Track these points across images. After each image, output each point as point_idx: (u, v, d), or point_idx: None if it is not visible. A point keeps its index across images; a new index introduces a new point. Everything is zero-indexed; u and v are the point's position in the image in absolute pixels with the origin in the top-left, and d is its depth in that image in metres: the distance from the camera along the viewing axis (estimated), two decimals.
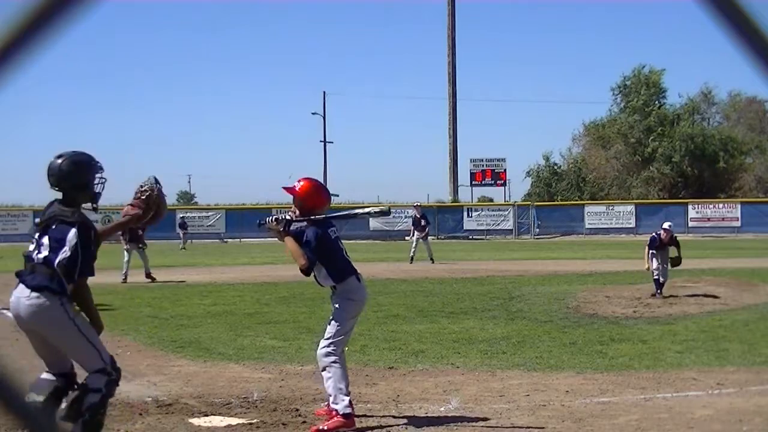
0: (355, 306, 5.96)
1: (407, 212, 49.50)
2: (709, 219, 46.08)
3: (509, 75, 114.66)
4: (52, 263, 4.57)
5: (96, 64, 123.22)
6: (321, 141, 65.09)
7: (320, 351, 5.75)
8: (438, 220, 48.09)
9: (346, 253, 6.06)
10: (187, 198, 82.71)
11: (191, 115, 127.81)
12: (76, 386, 4.72)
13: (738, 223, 46.59)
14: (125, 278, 17.93)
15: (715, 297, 13.42)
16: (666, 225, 14.18)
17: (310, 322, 11.28)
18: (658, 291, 13.58)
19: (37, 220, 4.88)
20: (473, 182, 55.53)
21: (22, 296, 4.58)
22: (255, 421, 5.86)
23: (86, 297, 4.79)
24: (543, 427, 5.61)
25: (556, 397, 6.53)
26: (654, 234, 13.98)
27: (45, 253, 4.61)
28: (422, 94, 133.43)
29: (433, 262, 23.73)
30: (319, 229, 5.86)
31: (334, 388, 5.58)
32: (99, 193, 4.91)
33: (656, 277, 13.60)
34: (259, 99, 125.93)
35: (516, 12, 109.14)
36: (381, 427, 5.69)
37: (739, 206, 47.69)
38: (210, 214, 51.78)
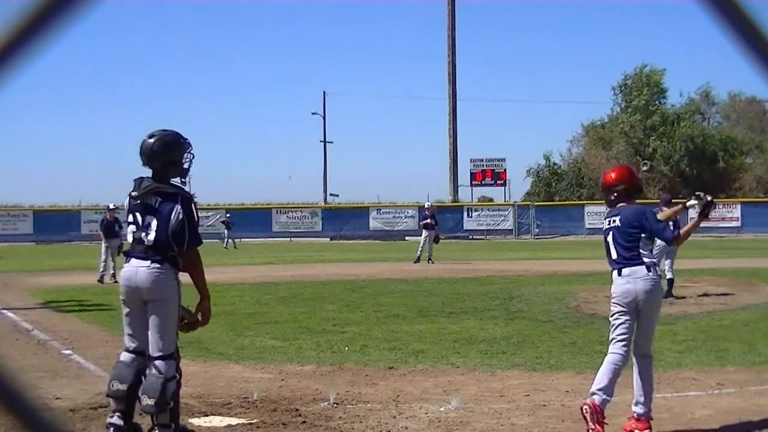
0: (614, 304, 5.61)
1: (407, 212, 49.57)
2: (709, 219, 46.01)
3: (510, 75, 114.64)
4: (165, 240, 4.94)
5: (95, 64, 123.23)
6: (321, 141, 65.12)
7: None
8: (438, 220, 48.05)
9: (613, 242, 5.74)
10: None
11: (191, 115, 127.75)
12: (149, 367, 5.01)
13: (738, 223, 46.59)
14: (102, 278, 17.42)
15: (716, 296, 13.43)
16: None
17: (310, 322, 11.29)
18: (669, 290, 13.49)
19: (134, 193, 5.05)
20: (473, 182, 55.55)
21: (141, 266, 4.94)
22: (255, 421, 5.86)
23: (197, 266, 5.15)
24: (543, 427, 5.61)
25: (556, 397, 6.53)
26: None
27: (153, 232, 4.95)
28: (422, 94, 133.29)
29: (431, 262, 23.73)
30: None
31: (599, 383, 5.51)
32: (187, 169, 5.26)
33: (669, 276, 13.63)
34: (259, 99, 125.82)
35: (516, 12, 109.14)
36: (381, 427, 5.69)
37: (739, 206, 47.68)
38: (210, 214, 51.72)
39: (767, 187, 59.22)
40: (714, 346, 8.89)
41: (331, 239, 47.44)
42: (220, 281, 18.35)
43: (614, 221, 5.75)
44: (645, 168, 6.86)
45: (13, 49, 0.82)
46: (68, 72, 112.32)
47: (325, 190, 62.90)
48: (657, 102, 60.98)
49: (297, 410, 6.13)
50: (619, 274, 5.59)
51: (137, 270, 4.95)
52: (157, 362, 4.96)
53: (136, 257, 4.99)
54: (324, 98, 65.15)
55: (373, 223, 49.54)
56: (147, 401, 4.87)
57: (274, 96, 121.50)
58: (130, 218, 5.07)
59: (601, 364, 7.89)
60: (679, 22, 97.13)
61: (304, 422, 5.79)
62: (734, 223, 46.63)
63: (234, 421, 5.89)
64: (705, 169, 58.25)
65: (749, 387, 6.86)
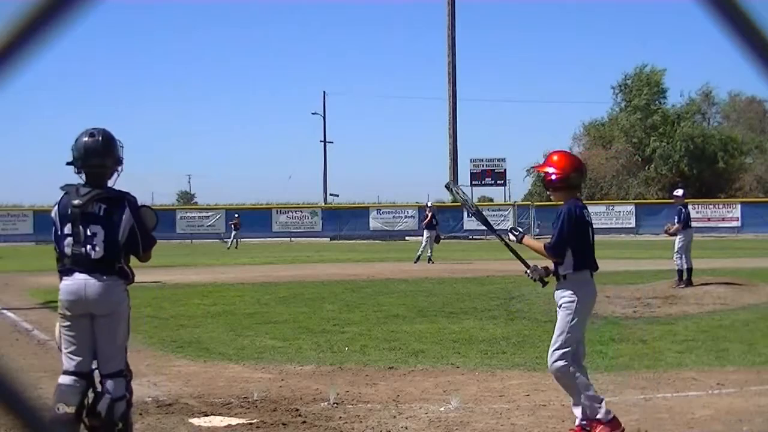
0: (581, 308, 5.27)
1: (407, 212, 49.56)
2: (709, 219, 46.07)
3: (509, 75, 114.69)
4: (114, 255, 4.57)
5: (95, 64, 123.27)
6: (321, 141, 65.16)
7: (552, 363, 5.23)
8: (438, 220, 48.00)
9: (592, 240, 5.45)
10: (187, 198, 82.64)
11: (191, 115, 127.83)
12: (94, 388, 4.65)
13: (738, 223, 46.59)
14: None
15: (717, 294, 13.43)
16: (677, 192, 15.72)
17: (310, 322, 11.29)
18: (680, 281, 14.51)
19: (76, 201, 4.55)
20: (473, 182, 55.55)
21: (90, 279, 4.54)
22: (255, 421, 5.86)
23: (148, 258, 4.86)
24: (543, 427, 5.61)
25: (556, 397, 6.52)
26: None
27: (102, 245, 4.54)
28: (422, 94, 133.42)
29: (431, 262, 23.74)
30: (578, 211, 5.38)
31: (586, 399, 5.12)
32: (120, 172, 4.81)
33: (678, 267, 14.69)
34: (259, 99, 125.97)
35: (516, 12, 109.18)
36: (381, 427, 5.69)
37: (739, 206, 47.69)
38: (210, 214, 51.76)
39: (767, 187, 59.19)
40: (714, 346, 8.89)
41: (331, 239, 47.42)
42: (221, 281, 18.36)
43: (590, 216, 5.53)
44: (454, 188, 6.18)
45: (13, 49, 0.82)
46: (68, 72, 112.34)
47: (325, 190, 62.95)
48: (657, 102, 60.98)
49: (297, 410, 6.13)
50: (591, 276, 5.40)
51: (86, 283, 4.53)
52: (106, 381, 4.63)
53: (81, 272, 4.55)
54: (324, 98, 65.28)
55: (373, 223, 49.53)
56: (93, 422, 4.52)
57: (274, 96, 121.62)
58: (67, 230, 4.56)
59: (601, 364, 7.92)
60: (679, 22, 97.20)
61: (304, 422, 5.79)
62: (734, 223, 46.63)
63: (234, 421, 5.89)
64: (705, 169, 58.23)
65: (749, 387, 6.85)
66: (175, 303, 13.64)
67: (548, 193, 5.79)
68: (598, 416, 5.14)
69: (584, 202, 5.78)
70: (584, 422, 5.22)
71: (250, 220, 46.05)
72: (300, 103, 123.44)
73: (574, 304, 5.21)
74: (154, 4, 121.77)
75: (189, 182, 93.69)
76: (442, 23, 54.84)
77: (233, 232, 39.63)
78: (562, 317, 5.24)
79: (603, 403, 5.16)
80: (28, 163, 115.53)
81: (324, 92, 65.41)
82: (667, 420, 5.74)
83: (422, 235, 25.29)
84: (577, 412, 5.22)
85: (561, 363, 5.17)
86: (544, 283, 5.46)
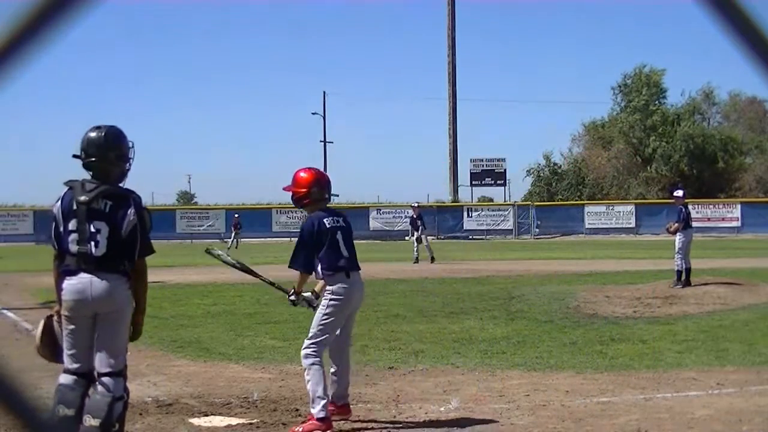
0: (335, 305, 5.76)
1: (407, 212, 49.58)
2: (709, 219, 46.06)
3: (509, 75, 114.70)
4: (117, 252, 4.47)
5: (96, 64, 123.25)
6: (321, 141, 65.14)
7: (302, 351, 5.74)
8: (438, 220, 48.13)
9: (345, 246, 5.89)
10: (187, 198, 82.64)
11: (191, 115, 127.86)
12: (94, 387, 4.56)
13: (738, 223, 46.58)
14: None
15: (717, 295, 13.44)
16: (677, 192, 15.68)
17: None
18: (678, 282, 14.40)
19: (83, 198, 4.45)
20: (473, 182, 55.57)
21: (95, 277, 4.43)
22: (255, 421, 5.86)
23: (144, 278, 4.64)
24: (543, 427, 5.61)
25: (556, 397, 6.53)
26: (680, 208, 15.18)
27: (104, 242, 4.44)
28: (422, 94, 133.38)
29: (433, 262, 23.77)
30: (315, 222, 5.84)
31: (311, 391, 5.53)
32: (128, 171, 4.74)
33: (678, 268, 14.56)
34: (259, 99, 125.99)
35: (516, 12, 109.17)
36: (381, 427, 5.69)
37: (739, 206, 47.69)
38: (210, 214, 51.76)
39: (767, 187, 59.19)
40: (714, 346, 8.89)
41: None
42: (220, 281, 18.34)
43: (338, 221, 5.89)
44: None
45: (14, 49, 0.82)
46: (69, 71, 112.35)
47: None
48: (657, 102, 60.97)
49: (297, 410, 6.13)
50: (348, 276, 5.78)
51: (91, 281, 4.42)
52: (105, 379, 4.48)
53: (86, 271, 4.44)
54: (324, 98, 65.24)
55: (373, 223, 49.56)
56: (91, 422, 4.37)
57: (274, 96, 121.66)
58: (71, 226, 4.46)
59: (601, 364, 7.93)
60: (679, 22, 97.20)
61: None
62: (734, 223, 46.62)
63: (234, 421, 5.90)
64: (705, 169, 58.24)
65: (749, 387, 6.85)
66: (175, 303, 13.64)
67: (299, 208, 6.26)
68: (312, 410, 5.49)
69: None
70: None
71: (250, 220, 46.03)
72: (300, 103, 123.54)
73: (327, 302, 5.72)
74: (155, 3, 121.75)
75: (189, 182, 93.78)
76: (442, 23, 54.89)
77: (233, 232, 39.70)
78: (318, 313, 5.75)
79: (323, 402, 5.46)
80: (28, 163, 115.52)
81: (324, 92, 65.44)
82: (667, 420, 5.74)
83: (411, 236, 25.38)
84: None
85: (307, 351, 5.66)
86: (313, 307, 5.93)
